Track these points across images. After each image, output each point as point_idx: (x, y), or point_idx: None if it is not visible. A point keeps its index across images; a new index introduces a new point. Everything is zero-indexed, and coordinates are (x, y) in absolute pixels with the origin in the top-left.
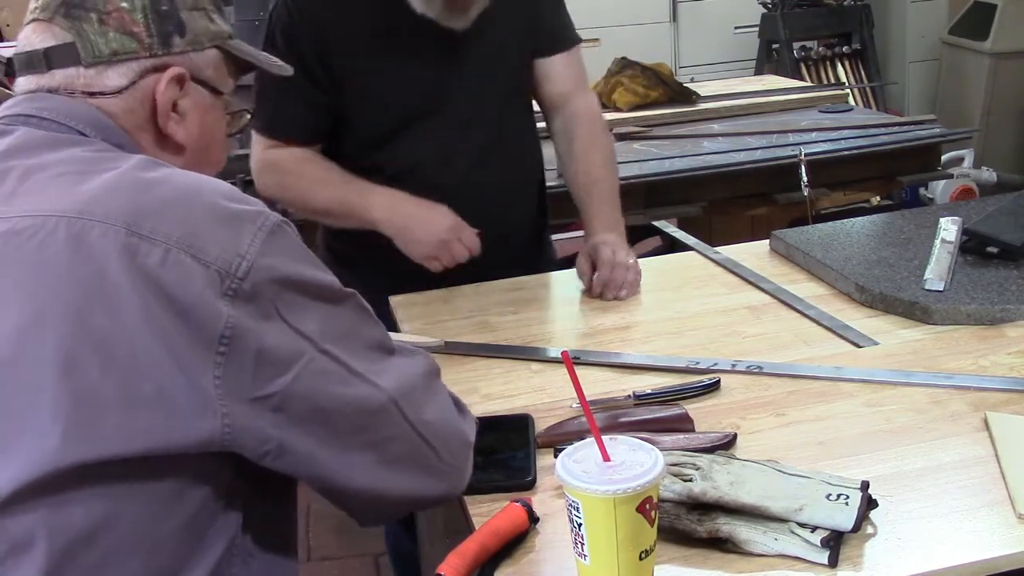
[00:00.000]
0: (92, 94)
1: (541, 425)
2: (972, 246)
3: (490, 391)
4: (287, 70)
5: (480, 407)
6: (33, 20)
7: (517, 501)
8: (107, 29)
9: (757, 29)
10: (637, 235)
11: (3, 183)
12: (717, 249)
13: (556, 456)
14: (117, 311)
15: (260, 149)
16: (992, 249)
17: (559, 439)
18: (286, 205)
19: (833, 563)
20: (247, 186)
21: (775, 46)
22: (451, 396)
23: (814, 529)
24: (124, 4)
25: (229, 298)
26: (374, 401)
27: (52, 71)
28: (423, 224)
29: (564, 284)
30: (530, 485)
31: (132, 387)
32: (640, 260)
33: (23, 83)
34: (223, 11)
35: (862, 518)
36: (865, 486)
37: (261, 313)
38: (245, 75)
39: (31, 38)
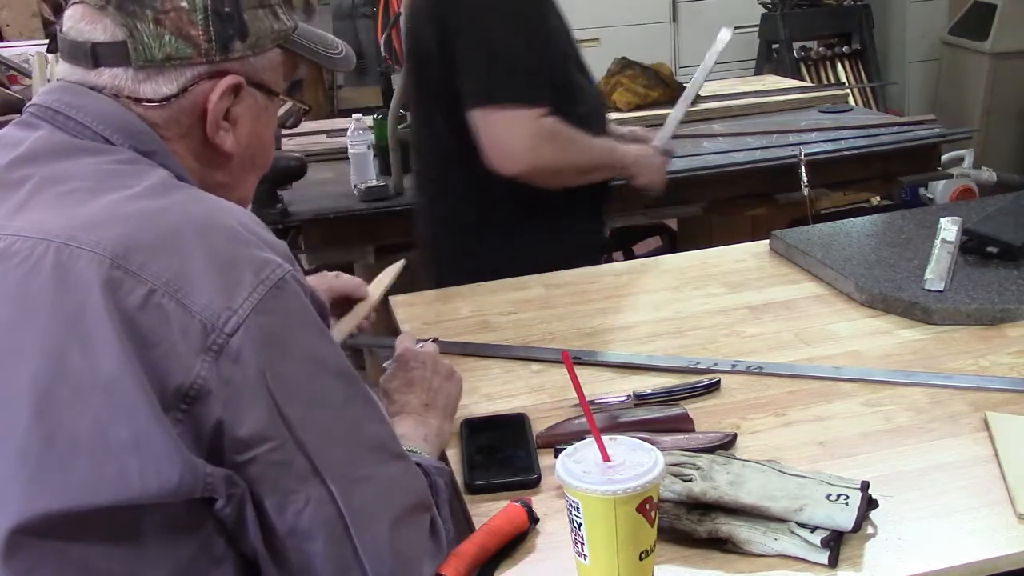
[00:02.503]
0: (138, 100)
1: (541, 425)
2: (972, 246)
3: (490, 391)
4: (350, 63)
5: (480, 407)
6: (82, 1)
7: (517, 501)
8: (163, 31)
9: (757, 29)
10: (637, 235)
11: (18, 191)
12: (717, 249)
13: (556, 456)
14: (95, 351)
15: (531, 121)
16: (992, 249)
17: (559, 439)
18: (560, 176)
19: (833, 563)
20: None
21: (775, 46)
22: (434, 527)
23: (814, 529)
24: (183, 3)
25: (213, 354)
26: (324, 511)
27: (99, 69)
28: (650, 160)
29: (564, 284)
30: (535, 483)
31: (106, 431)
32: (640, 260)
33: (65, 71)
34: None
35: (862, 518)
36: (865, 486)
37: (244, 379)
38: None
39: (79, 24)
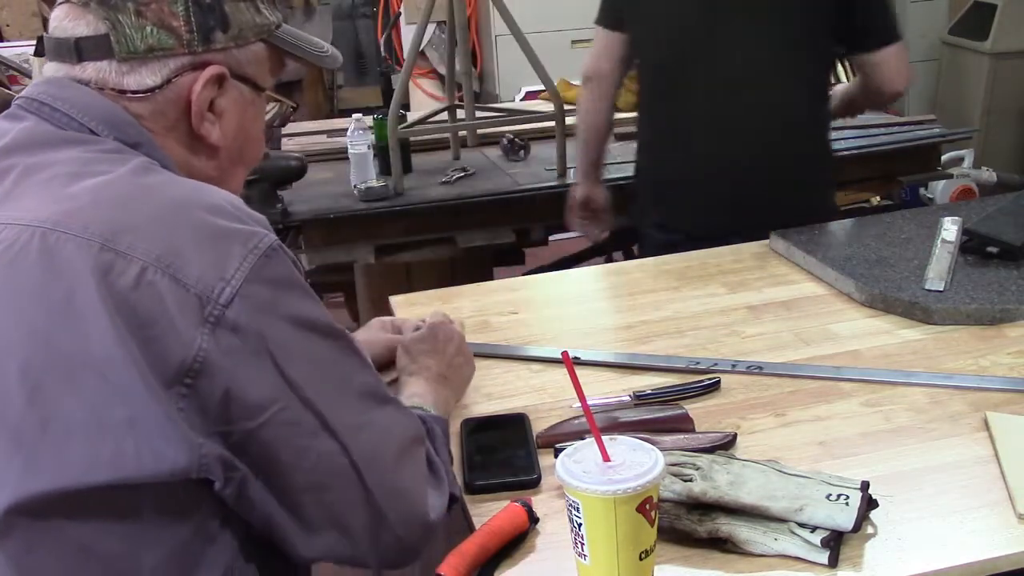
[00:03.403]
0: (122, 92)
1: (541, 425)
2: (972, 246)
3: (490, 391)
4: (336, 61)
5: (480, 407)
6: (66, 1)
7: (517, 501)
8: (144, 22)
9: None
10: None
11: (2, 182)
12: (717, 249)
13: (556, 456)
14: (86, 334)
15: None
16: (992, 249)
17: (559, 439)
18: None
19: (833, 563)
20: None
21: None
22: (431, 462)
23: (814, 529)
24: None
25: (210, 326)
26: (336, 462)
27: (83, 63)
28: None
29: (564, 284)
30: (535, 483)
31: (101, 413)
32: (640, 260)
33: (52, 69)
34: None
35: (862, 518)
36: (865, 486)
37: (244, 347)
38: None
39: (63, 23)
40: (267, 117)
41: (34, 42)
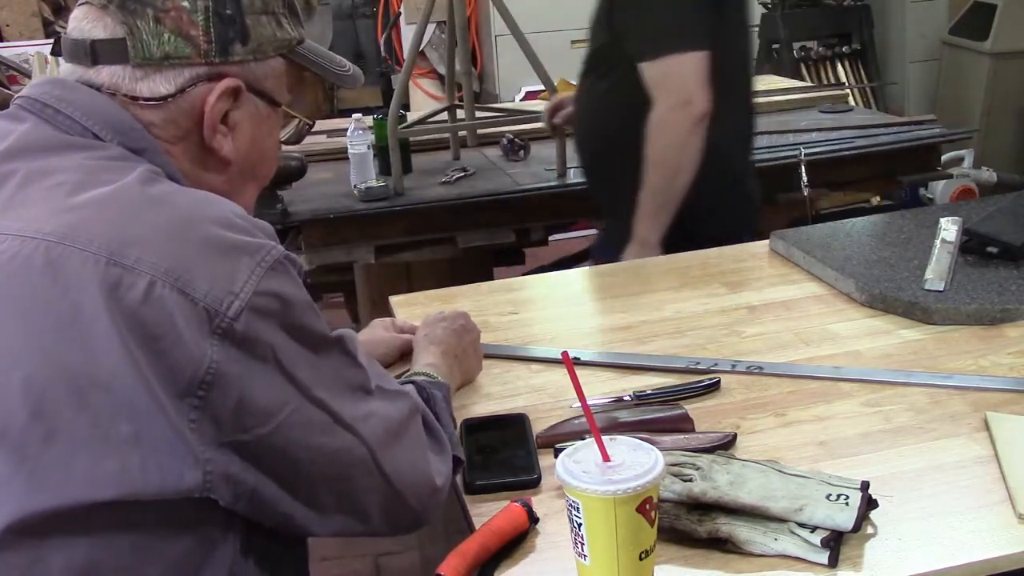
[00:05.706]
0: (134, 98)
1: (541, 425)
2: (972, 246)
3: (490, 391)
4: (357, 80)
5: (480, 407)
6: (86, 2)
7: (517, 501)
8: (162, 29)
9: (757, 29)
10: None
11: (3, 188)
12: (717, 250)
13: (556, 456)
14: (92, 348)
15: None
16: (992, 249)
17: (559, 439)
18: None
19: (833, 563)
20: None
21: (775, 46)
22: (429, 428)
23: (814, 529)
24: (184, 3)
25: (218, 338)
26: (352, 453)
27: (98, 67)
28: None
29: (564, 284)
30: (536, 483)
31: (106, 428)
32: (640, 260)
33: (67, 71)
34: (298, 14)
35: (862, 518)
36: (865, 486)
37: (253, 356)
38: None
39: (81, 24)
40: (283, 136)
41: (33, 42)
